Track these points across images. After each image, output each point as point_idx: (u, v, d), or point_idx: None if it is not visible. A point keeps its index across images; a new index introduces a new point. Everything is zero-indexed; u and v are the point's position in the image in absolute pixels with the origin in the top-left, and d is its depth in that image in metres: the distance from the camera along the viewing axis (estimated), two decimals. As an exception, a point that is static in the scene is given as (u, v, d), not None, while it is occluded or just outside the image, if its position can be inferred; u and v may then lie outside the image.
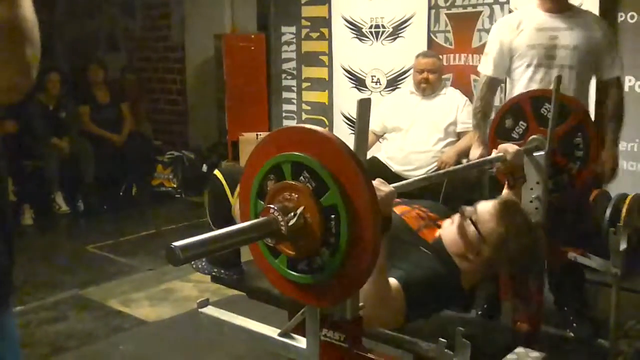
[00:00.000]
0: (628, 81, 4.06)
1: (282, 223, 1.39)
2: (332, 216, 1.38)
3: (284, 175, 1.45)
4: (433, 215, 2.29)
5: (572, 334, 3.23)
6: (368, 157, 4.76)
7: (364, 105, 1.51)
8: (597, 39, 3.16)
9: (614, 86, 3.22)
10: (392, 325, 1.95)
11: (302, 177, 1.43)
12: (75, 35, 8.02)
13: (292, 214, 1.40)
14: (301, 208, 1.40)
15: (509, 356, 2.13)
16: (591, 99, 3.37)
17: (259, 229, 1.40)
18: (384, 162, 4.43)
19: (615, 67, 3.20)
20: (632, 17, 4.10)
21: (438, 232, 2.20)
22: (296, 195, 1.43)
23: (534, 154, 2.46)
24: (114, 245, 4.95)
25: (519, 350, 2.22)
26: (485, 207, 2.10)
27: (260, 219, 1.41)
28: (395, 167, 4.35)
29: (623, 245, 2.26)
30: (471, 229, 2.07)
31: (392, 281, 1.96)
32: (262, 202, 1.49)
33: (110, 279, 4.27)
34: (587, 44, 3.14)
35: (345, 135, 5.32)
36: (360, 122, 1.52)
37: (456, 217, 2.15)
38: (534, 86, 3.09)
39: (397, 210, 2.24)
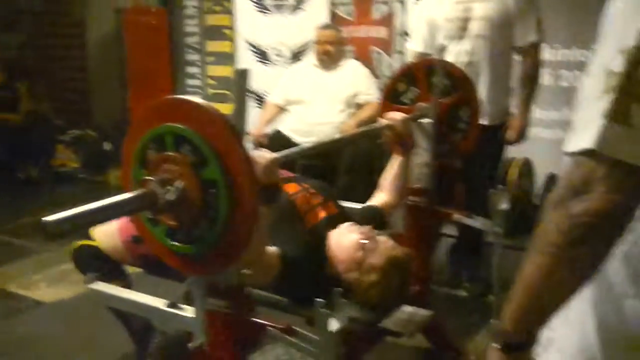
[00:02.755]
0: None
1: (160, 196, 1.40)
2: (212, 190, 1.40)
3: (165, 146, 1.46)
4: (320, 197, 2.29)
5: (464, 293, 3.39)
6: (272, 129, 4.79)
7: (242, 76, 1.53)
8: (509, 8, 3.25)
9: (528, 52, 3.33)
10: (258, 280, 1.94)
11: (183, 150, 1.44)
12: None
13: (171, 186, 1.41)
14: (180, 181, 1.42)
15: (395, 314, 2.23)
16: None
17: (137, 202, 1.41)
18: (287, 134, 4.45)
19: (529, 33, 3.29)
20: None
21: (322, 214, 2.23)
22: (176, 168, 1.44)
23: (421, 120, 2.55)
24: (13, 228, 4.80)
25: (407, 308, 2.32)
26: (384, 246, 2.10)
27: (139, 191, 1.42)
28: (298, 139, 4.37)
29: (503, 205, 2.38)
30: (359, 253, 2.08)
31: (272, 247, 2.00)
32: (143, 170, 1.49)
33: (8, 262, 4.16)
34: (499, 13, 3.25)
35: (251, 109, 5.32)
36: (239, 93, 1.53)
37: (358, 230, 2.15)
38: (448, 58, 3.15)
39: (289, 189, 2.26)
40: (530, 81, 3.37)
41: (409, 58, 3.56)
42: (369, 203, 2.53)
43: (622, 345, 1.04)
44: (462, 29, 3.28)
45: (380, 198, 2.53)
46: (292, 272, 1.98)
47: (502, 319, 1.04)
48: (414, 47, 3.53)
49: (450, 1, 3.32)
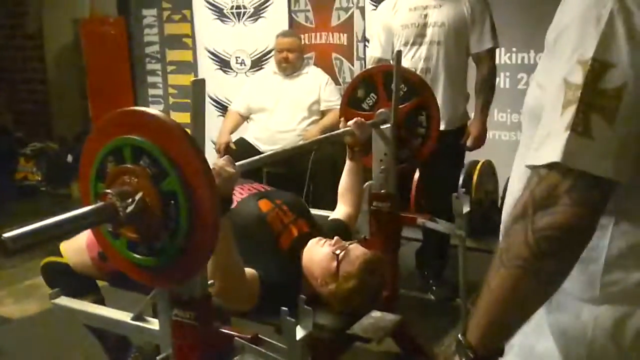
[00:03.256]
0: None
1: (120, 208, 1.39)
2: (172, 202, 1.40)
3: (124, 159, 1.45)
4: (292, 215, 2.32)
5: (432, 297, 3.41)
6: (236, 138, 4.77)
7: (198, 86, 1.53)
8: (464, 15, 3.29)
9: (483, 58, 3.37)
10: (241, 306, 2.00)
11: (142, 162, 1.43)
12: None
13: (131, 199, 1.40)
14: (140, 193, 1.40)
15: (364, 320, 2.25)
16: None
17: (96, 215, 1.39)
18: (251, 142, 4.45)
19: (484, 40, 3.32)
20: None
21: (295, 234, 2.26)
22: (136, 180, 1.42)
23: (381, 126, 2.58)
24: (-25, 244, 4.70)
25: (376, 313, 2.34)
26: (356, 253, 2.15)
27: (98, 204, 1.40)
28: (262, 147, 4.37)
29: (466, 208, 2.41)
30: (333, 264, 2.12)
31: (250, 270, 2.02)
32: (101, 184, 1.48)
33: (-29, 279, 4.07)
34: (454, 20, 3.28)
35: (214, 117, 5.31)
36: (196, 104, 1.53)
37: (326, 242, 2.20)
38: (405, 64, 3.17)
39: (262, 206, 2.28)
40: (487, 87, 3.41)
41: (369, 64, 3.58)
42: (332, 216, 2.57)
43: (583, 349, 1.05)
44: (418, 35, 3.31)
45: (341, 210, 2.58)
46: (272, 297, 2.01)
47: (468, 332, 1.02)
48: (372, 52, 3.57)
49: (405, 8, 3.35)
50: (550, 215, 0.91)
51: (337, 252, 2.14)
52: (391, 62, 3.26)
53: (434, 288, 3.45)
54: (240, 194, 2.31)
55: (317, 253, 2.18)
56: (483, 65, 3.38)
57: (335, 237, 2.21)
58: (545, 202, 0.91)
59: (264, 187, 2.50)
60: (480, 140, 3.44)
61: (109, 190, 1.40)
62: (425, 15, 3.30)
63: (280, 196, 2.39)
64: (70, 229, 1.36)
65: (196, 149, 1.39)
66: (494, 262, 0.99)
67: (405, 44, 3.33)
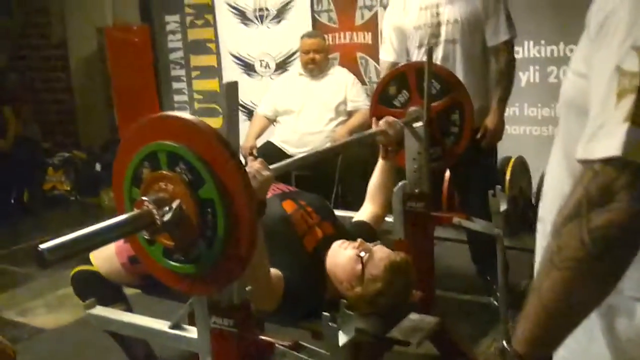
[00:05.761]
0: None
1: (157, 216, 1.36)
2: (209, 209, 1.37)
3: (159, 164, 1.42)
4: (317, 217, 2.31)
5: (495, 303, 3.24)
6: (263, 141, 4.76)
7: (231, 89, 1.50)
8: (477, 9, 3.19)
9: (500, 51, 3.25)
10: (264, 305, 1.96)
11: (178, 168, 1.40)
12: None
13: (168, 207, 1.37)
14: (177, 201, 1.38)
15: (402, 323, 2.20)
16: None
17: (133, 224, 1.38)
18: (278, 145, 4.43)
19: (500, 32, 3.21)
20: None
21: (320, 235, 2.24)
22: (172, 187, 1.40)
23: (414, 125, 2.53)
24: (8, 255, 4.75)
25: (414, 316, 2.29)
26: (381, 255, 2.13)
27: (135, 212, 1.38)
28: (290, 149, 4.36)
29: (503, 206, 2.36)
30: (358, 266, 2.10)
31: (275, 270, 1.99)
32: (137, 189, 1.46)
33: (5, 289, 4.11)
34: (467, 15, 3.18)
35: (240, 122, 5.28)
36: (229, 107, 1.50)
37: (349, 245, 2.17)
38: None
39: (286, 207, 2.26)
40: (505, 80, 3.28)
41: (382, 69, 3.48)
42: (356, 218, 2.55)
43: (638, 352, 1.00)
44: (432, 35, 3.21)
45: (367, 211, 2.56)
46: (295, 297, 2.00)
47: (514, 341, 0.97)
48: (385, 57, 3.45)
49: (415, 7, 3.25)
50: (607, 212, 0.85)
51: (362, 254, 2.12)
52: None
53: (497, 294, 3.24)
54: None
55: (341, 256, 2.16)
56: (500, 58, 3.26)
57: (359, 240, 2.19)
58: (601, 199, 0.86)
59: (288, 187, 2.48)
60: (497, 135, 3.31)
61: (145, 198, 1.37)
62: (438, 14, 3.21)
63: (304, 197, 2.37)
64: (107, 238, 1.34)
65: (233, 154, 1.36)
66: (542, 264, 0.94)
67: (420, 46, 3.24)
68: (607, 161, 0.86)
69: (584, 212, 0.88)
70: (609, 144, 0.86)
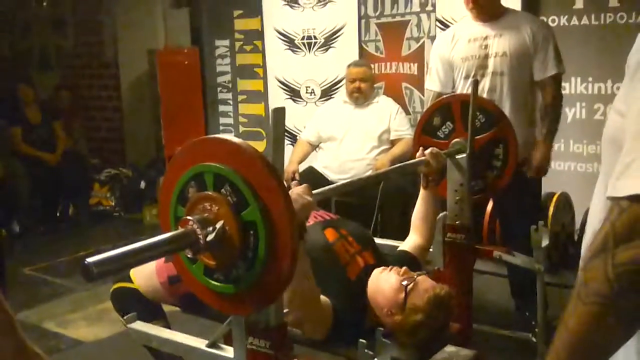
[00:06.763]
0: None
1: (200, 236, 1.39)
2: (251, 232, 1.39)
3: (205, 185, 1.45)
4: (358, 246, 2.30)
5: (534, 339, 3.12)
6: (305, 167, 4.80)
7: (279, 115, 1.52)
8: (526, 42, 3.20)
9: (547, 85, 3.25)
10: (316, 334, 1.98)
11: (223, 190, 1.43)
12: (5, 54, 7.84)
13: (212, 227, 1.40)
14: (221, 222, 1.40)
15: (438, 355, 2.18)
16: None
17: (177, 242, 1.40)
18: (320, 171, 4.46)
19: (548, 66, 3.21)
20: (553, 21, 4.23)
21: (362, 265, 2.24)
22: (217, 208, 1.43)
23: (457, 156, 2.53)
24: (51, 267, 4.84)
25: (450, 348, 2.27)
26: (425, 286, 2.11)
27: (179, 230, 1.41)
28: (331, 176, 4.38)
29: (545, 241, 2.34)
30: (401, 295, 2.09)
31: (324, 297, 2.00)
32: (182, 207, 1.49)
33: (46, 300, 4.19)
34: (516, 48, 3.19)
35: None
36: (276, 132, 1.52)
37: (392, 271, 2.17)
38: None
39: (328, 236, 2.27)
40: (552, 114, 3.27)
41: (427, 98, 3.50)
42: (400, 248, 2.54)
43: None
44: (479, 67, 3.24)
45: (411, 241, 2.55)
46: (341, 326, 1.99)
47: None
48: (431, 87, 3.48)
49: (464, 39, 3.29)
50: (633, 249, 0.85)
51: (405, 283, 2.11)
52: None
53: (536, 330, 3.19)
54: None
55: (384, 282, 2.15)
56: (547, 92, 3.26)
57: (404, 267, 2.18)
58: (627, 235, 0.86)
59: (329, 214, 2.49)
60: (542, 170, 3.30)
61: (190, 217, 1.40)
62: (486, 46, 3.23)
63: (345, 226, 2.37)
64: (152, 254, 1.36)
65: (278, 179, 1.38)
66: (571, 299, 0.93)
67: (466, 77, 3.25)
68: (633, 198, 0.86)
69: (609, 247, 0.87)
70: (635, 181, 0.86)
